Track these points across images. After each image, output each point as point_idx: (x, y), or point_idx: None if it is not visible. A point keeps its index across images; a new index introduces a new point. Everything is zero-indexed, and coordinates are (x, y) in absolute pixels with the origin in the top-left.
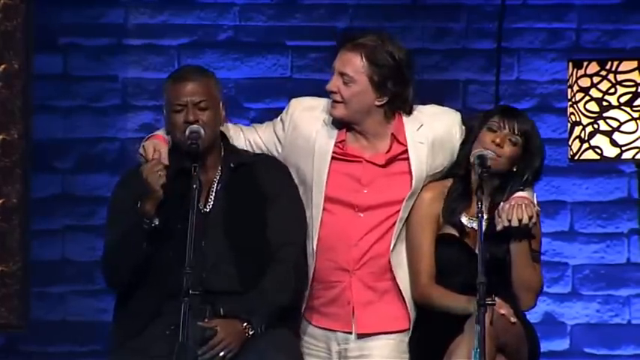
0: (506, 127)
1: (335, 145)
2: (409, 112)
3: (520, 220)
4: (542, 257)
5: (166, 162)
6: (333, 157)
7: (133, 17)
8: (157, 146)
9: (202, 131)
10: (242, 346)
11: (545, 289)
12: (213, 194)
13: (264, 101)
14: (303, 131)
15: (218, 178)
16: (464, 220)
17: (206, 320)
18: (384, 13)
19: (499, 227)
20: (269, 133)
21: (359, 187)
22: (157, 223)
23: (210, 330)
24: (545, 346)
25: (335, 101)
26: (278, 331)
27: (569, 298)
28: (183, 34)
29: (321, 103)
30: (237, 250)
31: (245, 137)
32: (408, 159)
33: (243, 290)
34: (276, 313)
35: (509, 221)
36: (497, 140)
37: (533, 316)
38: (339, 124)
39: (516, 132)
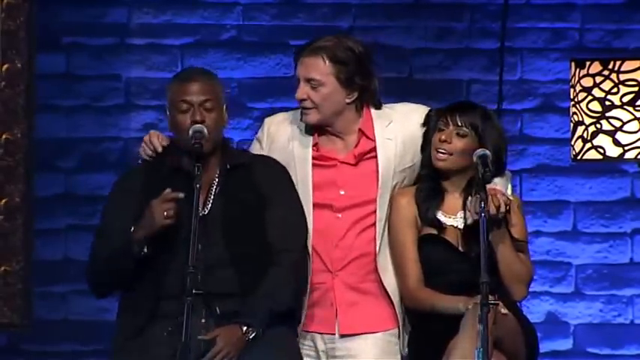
0: (451, 122)
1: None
2: (378, 106)
3: (489, 211)
4: (545, 257)
5: (159, 148)
6: (312, 164)
7: (136, 17)
8: (160, 137)
9: (206, 131)
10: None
11: (548, 288)
12: (212, 197)
13: (268, 101)
14: (279, 143)
15: (217, 180)
16: (441, 217)
17: (203, 321)
18: (387, 12)
19: (469, 221)
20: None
21: (336, 189)
22: (145, 251)
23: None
24: (548, 346)
25: (306, 108)
26: (277, 330)
27: (572, 298)
28: (186, 33)
29: (291, 114)
30: (235, 252)
31: None
32: (377, 156)
33: (240, 292)
34: (275, 317)
35: (477, 214)
36: (443, 137)
37: (536, 316)
38: (311, 128)
39: (460, 124)
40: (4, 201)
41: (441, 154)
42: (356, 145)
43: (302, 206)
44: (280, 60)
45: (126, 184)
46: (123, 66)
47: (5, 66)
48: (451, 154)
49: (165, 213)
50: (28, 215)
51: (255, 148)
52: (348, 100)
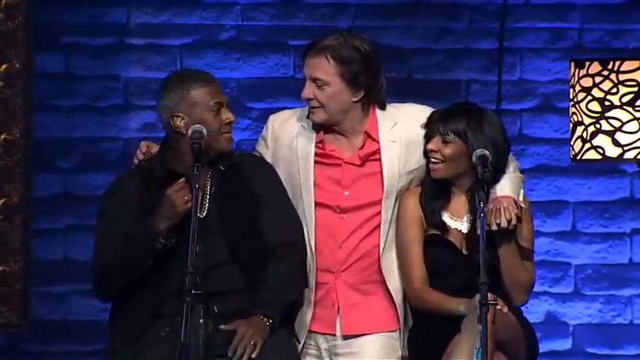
0: (435, 132)
1: (315, 146)
2: (383, 107)
3: (499, 224)
4: (545, 257)
5: (148, 150)
6: (315, 161)
7: (135, 17)
8: (150, 146)
9: (205, 131)
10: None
11: (547, 288)
12: (208, 199)
13: (267, 101)
14: (284, 140)
15: (210, 182)
16: (446, 220)
17: (201, 321)
18: (386, 12)
19: (479, 231)
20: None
21: (340, 189)
22: (172, 242)
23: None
24: (547, 346)
25: (312, 107)
26: (276, 333)
27: (571, 298)
28: (185, 33)
29: (297, 112)
30: (235, 251)
31: None
32: (381, 159)
33: (247, 288)
34: (287, 308)
35: (489, 226)
36: (430, 146)
37: (535, 316)
38: (317, 126)
39: (443, 132)
40: (2, 201)
41: (433, 164)
42: (361, 147)
43: (291, 201)
44: (279, 60)
45: (122, 186)
46: (122, 66)
47: (4, 66)
48: (443, 162)
49: (185, 198)
50: (27, 215)
51: (261, 146)
52: (354, 99)
